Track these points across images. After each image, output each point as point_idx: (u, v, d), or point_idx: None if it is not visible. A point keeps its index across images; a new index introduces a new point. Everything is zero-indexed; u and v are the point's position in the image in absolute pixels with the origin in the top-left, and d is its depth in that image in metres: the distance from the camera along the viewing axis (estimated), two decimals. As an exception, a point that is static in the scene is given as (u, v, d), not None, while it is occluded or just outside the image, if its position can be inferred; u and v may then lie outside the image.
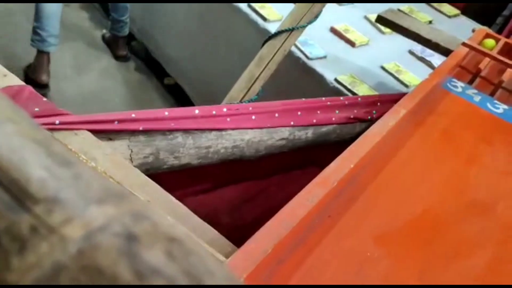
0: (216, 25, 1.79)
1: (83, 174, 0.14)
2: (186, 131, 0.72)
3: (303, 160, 0.92)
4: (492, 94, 1.04)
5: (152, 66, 2.27)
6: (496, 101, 1.02)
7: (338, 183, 0.57)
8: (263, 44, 1.09)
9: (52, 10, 1.80)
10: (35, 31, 1.83)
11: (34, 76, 1.88)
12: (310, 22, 1.04)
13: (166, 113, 0.71)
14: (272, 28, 1.51)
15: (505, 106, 1.01)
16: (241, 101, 1.04)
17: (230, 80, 1.22)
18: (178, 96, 2.16)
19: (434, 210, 0.66)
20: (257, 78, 1.05)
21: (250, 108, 0.80)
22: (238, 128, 0.77)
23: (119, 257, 0.11)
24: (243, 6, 1.63)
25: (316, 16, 1.05)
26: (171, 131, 0.71)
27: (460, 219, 0.66)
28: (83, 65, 2.16)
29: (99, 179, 0.14)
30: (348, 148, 0.64)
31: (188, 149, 0.73)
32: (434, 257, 0.58)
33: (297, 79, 1.49)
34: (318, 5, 1.05)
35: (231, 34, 1.72)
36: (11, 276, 0.11)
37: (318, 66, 1.45)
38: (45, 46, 1.85)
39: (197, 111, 0.74)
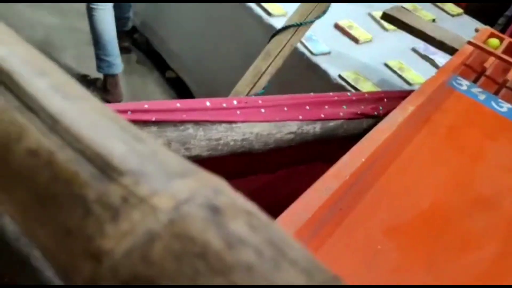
0: (221, 20, 1.79)
1: (158, 150, 0.14)
2: (197, 122, 0.73)
3: (309, 155, 0.93)
4: (496, 93, 1.06)
5: (154, 59, 2.27)
6: (500, 100, 1.03)
7: (350, 176, 0.58)
8: (270, 39, 1.09)
9: (111, 34, 1.78)
10: (100, 58, 1.81)
11: (112, 98, 1.87)
12: (317, 17, 1.05)
13: (178, 104, 0.72)
14: (276, 22, 1.52)
15: (509, 105, 1.03)
16: (247, 95, 1.05)
17: (233, 74, 1.23)
18: (180, 90, 2.16)
19: (441, 204, 0.67)
20: (263, 72, 1.06)
21: (260, 102, 0.80)
22: (247, 121, 0.78)
23: (207, 226, 0.12)
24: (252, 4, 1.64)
25: (324, 12, 1.06)
26: (183, 122, 0.71)
27: (466, 214, 0.67)
28: (84, 56, 2.16)
29: (172, 155, 0.14)
30: (360, 142, 0.64)
31: (199, 140, 0.73)
32: (442, 250, 0.59)
33: (301, 74, 1.50)
34: (324, 3, 1.05)
35: (235, 28, 1.73)
36: (107, 242, 0.12)
37: (322, 62, 1.46)
38: (115, 70, 1.84)
39: (208, 103, 0.74)
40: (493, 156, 0.83)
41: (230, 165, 0.83)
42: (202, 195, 0.13)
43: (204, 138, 0.74)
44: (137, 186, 0.13)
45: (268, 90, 1.11)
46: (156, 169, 0.14)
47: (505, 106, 1.01)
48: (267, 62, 1.06)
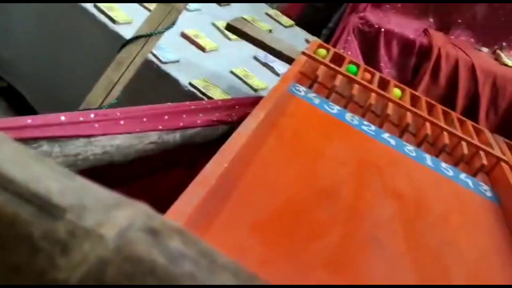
0: (59, 26, 1.67)
1: (88, 185, 0.16)
2: (52, 138, 0.69)
3: (170, 163, 0.95)
4: (327, 96, 1.22)
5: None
6: (331, 103, 1.20)
7: (216, 181, 0.62)
8: (120, 49, 1.08)
9: None
10: None
11: None
12: (168, 28, 1.07)
13: (29, 120, 0.67)
14: (122, 30, 1.49)
15: (338, 107, 1.19)
16: (100, 106, 1.02)
17: (79, 83, 1.17)
18: (12, 100, 1.95)
19: (294, 199, 0.76)
20: (116, 83, 1.04)
21: (118, 114, 0.79)
22: (107, 133, 0.76)
23: (150, 247, 0.14)
24: (89, 6, 1.57)
25: (174, 22, 1.09)
26: (36, 139, 0.67)
27: (314, 205, 0.77)
28: None
29: (101, 189, 0.16)
30: (221, 150, 0.69)
31: (55, 157, 0.70)
32: (297, 239, 0.67)
33: (152, 83, 1.50)
34: (175, 11, 1.08)
35: (77, 36, 1.63)
36: (60, 273, 0.13)
37: (172, 70, 1.48)
38: None
39: (63, 118, 0.71)
40: (330, 152, 0.96)
41: (91, 179, 0.80)
42: (140, 221, 0.15)
43: (61, 155, 0.70)
44: (80, 219, 0.14)
45: (119, 100, 1.09)
46: (93, 202, 0.15)
47: (335, 108, 1.18)
48: (119, 73, 1.04)
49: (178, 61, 1.54)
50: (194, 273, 0.14)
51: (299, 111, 1.06)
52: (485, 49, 2.17)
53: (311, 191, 0.80)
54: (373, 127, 1.18)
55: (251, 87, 1.58)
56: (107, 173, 0.82)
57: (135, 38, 1.05)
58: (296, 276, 0.60)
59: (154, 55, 1.50)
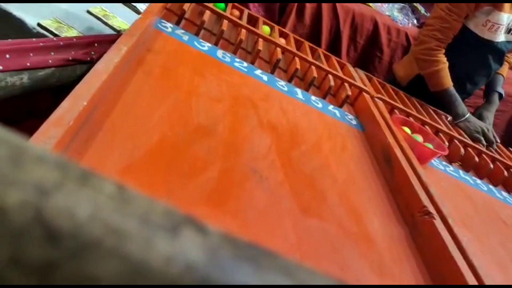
0: None
1: None
2: None
3: (20, 113, 0.82)
4: (197, 34, 1.16)
5: None
6: (201, 40, 1.14)
7: (74, 122, 0.54)
8: None
9: None
10: None
11: None
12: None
13: None
14: None
15: (209, 44, 1.14)
16: None
17: None
18: None
19: (168, 137, 0.71)
20: None
21: None
22: None
23: None
24: None
25: None
26: None
27: (191, 142, 0.73)
28: None
29: None
30: (78, 86, 0.60)
31: None
32: (175, 177, 0.63)
33: (-10, 24, 1.27)
34: None
35: None
36: None
37: (14, 10, 1.27)
38: None
39: None
40: (204, 90, 0.92)
41: None
42: None
43: None
44: None
45: None
46: None
47: (206, 45, 1.13)
48: None
49: (21, -1, 1.32)
50: None
51: (167, 48, 0.99)
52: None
53: (186, 129, 0.75)
54: (245, 64, 1.16)
55: (112, 27, 1.44)
56: None
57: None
58: (176, 215, 0.56)
59: (-11, -9, 1.26)
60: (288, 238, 0.65)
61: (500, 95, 1.78)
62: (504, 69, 1.80)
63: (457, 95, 1.58)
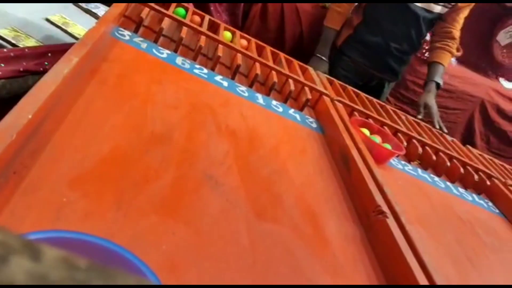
0: None
1: None
2: None
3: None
4: (155, 41, 1.16)
5: None
6: (160, 47, 1.14)
7: (16, 136, 0.54)
8: None
9: None
10: None
11: None
12: None
13: None
14: None
15: (168, 51, 1.15)
16: None
17: None
18: None
19: (120, 146, 0.71)
20: None
21: None
22: None
23: None
24: None
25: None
26: None
27: (145, 150, 0.73)
28: None
29: None
30: (23, 99, 0.60)
31: None
32: (127, 187, 0.64)
33: None
34: None
35: None
36: None
37: (-32, 19, 1.25)
38: None
39: None
40: (161, 97, 0.92)
41: None
42: None
43: None
44: None
45: None
46: None
47: (164, 52, 1.13)
48: None
49: (-25, 8, 1.30)
50: None
51: (124, 56, 0.99)
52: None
53: (140, 138, 0.76)
54: (205, 70, 1.17)
55: (72, 35, 1.42)
56: None
57: None
58: (126, 224, 0.57)
59: None
60: (241, 243, 0.66)
61: (438, 84, 1.86)
62: (444, 58, 1.88)
63: (329, 39, 1.81)
